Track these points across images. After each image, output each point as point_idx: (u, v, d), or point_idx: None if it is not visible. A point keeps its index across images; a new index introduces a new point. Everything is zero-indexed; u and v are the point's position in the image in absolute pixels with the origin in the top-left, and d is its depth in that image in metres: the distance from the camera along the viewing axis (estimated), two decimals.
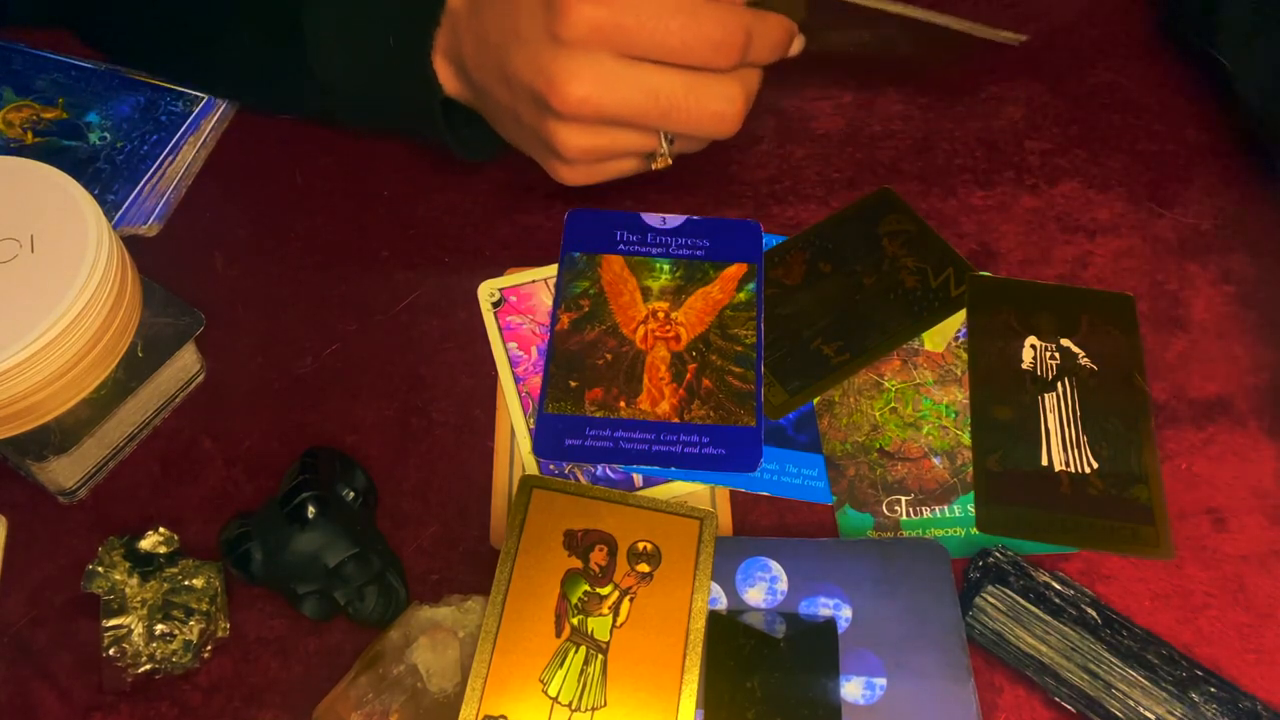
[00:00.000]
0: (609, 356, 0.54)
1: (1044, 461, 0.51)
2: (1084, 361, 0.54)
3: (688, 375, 0.53)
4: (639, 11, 0.48)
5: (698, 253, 0.57)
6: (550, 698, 0.43)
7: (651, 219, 0.58)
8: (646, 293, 0.56)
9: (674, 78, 0.50)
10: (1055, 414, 0.52)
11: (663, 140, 0.54)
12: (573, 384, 0.53)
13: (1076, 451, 0.51)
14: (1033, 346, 0.54)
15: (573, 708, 0.43)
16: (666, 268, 0.57)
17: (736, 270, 0.56)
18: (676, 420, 0.52)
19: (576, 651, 0.44)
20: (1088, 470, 0.50)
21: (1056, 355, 0.54)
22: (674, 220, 0.58)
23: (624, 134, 0.52)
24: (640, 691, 0.43)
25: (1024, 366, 0.54)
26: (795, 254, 0.58)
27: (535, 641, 0.44)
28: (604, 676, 0.43)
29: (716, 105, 0.51)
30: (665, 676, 0.43)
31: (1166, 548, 0.49)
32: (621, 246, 0.57)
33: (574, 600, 0.45)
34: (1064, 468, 0.50)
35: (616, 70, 0.49)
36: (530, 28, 0.49)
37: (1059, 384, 0.53)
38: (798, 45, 0.55)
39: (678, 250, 0.57)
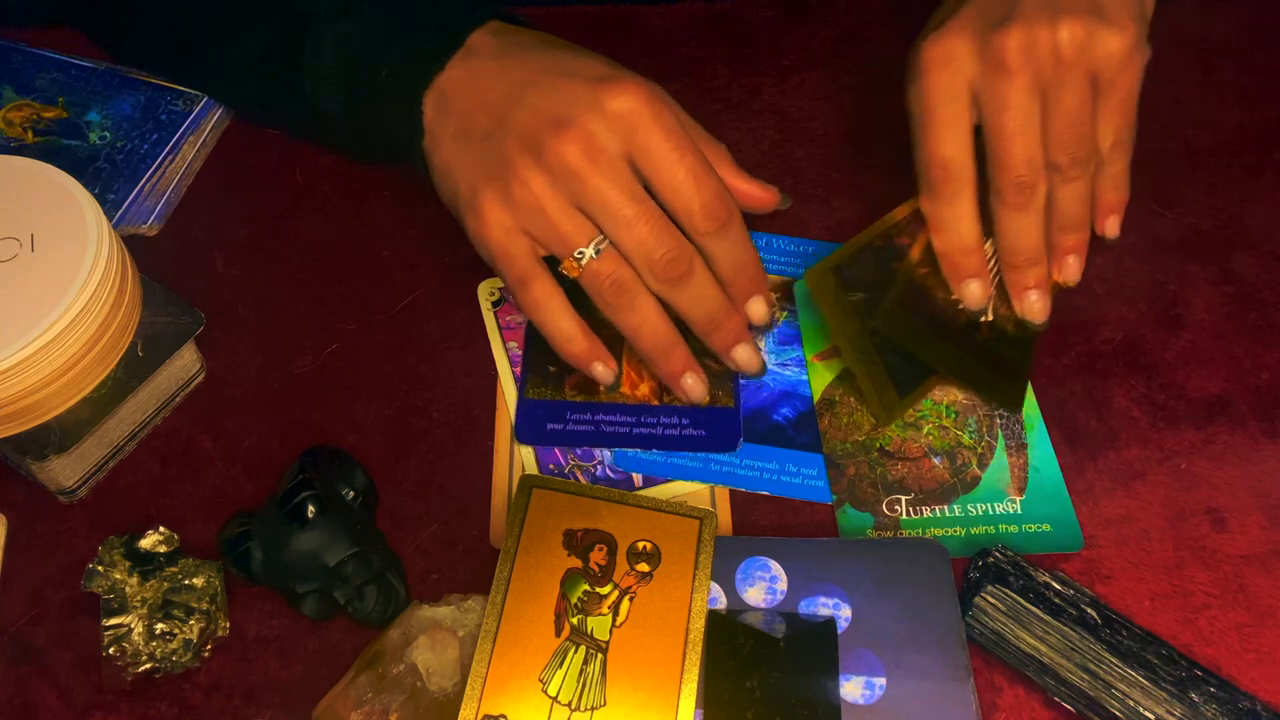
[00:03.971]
0: None
1: (955, 294, 0.51)
2: None
3: None
4: (607, 183, 0.47)
5: None
6: (550, 697, 0.43)
7: None
8: None
9: None
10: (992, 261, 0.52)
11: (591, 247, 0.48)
12: (552, 369, 0.53)
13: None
14: None
15: (572, 707, 0.43)
16: None
17: None
18: (656, 403, 0.52)
19: (576, 651, 0.44)
20: (983, 318, 0.51)
21: None
22: None
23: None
24: (640, 691, 0.43)
25: None
26: None
27: (535, 641, 0.44)
28: (603, 676, 0.43)
29: None
30: (665, 676, 0.43)
31: (1016, 405, 0.52)
32: None
33: (574, 600, 0.45)
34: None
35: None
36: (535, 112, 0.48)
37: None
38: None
39: None
